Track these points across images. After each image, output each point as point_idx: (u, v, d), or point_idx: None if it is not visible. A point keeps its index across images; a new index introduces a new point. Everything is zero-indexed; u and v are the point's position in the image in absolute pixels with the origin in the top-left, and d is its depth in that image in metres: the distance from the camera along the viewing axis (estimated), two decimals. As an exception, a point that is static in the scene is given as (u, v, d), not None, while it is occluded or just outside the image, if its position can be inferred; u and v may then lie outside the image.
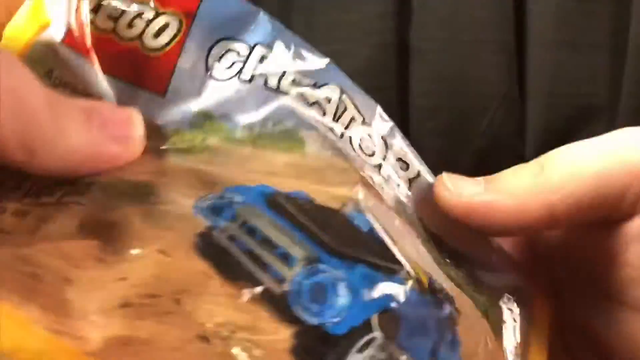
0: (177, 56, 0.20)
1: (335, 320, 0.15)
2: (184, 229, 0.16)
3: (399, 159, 0.23)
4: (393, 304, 0.16)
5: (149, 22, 0.20)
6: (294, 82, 0.21)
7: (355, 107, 0.22)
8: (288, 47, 0.22)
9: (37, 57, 0.19)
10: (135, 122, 0.17)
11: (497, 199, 0.22)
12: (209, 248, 0.16)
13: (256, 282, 0.15)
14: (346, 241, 0.17)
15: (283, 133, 0.20)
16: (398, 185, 0.22)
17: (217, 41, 0.21)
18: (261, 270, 0.16)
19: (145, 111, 0.19)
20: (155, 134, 0.19)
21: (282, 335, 0.15)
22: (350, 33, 0.40)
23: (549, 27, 0.41)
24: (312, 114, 0.21)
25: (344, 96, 0.22)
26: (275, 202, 0.17)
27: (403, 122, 0.42)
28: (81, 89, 0.19)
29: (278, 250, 0.16)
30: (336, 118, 0.21)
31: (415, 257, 0.18)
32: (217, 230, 0.16)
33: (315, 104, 0.21)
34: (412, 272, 0.17)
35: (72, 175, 0.16)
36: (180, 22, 0.20)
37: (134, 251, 0.16)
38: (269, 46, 0.21)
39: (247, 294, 0.15)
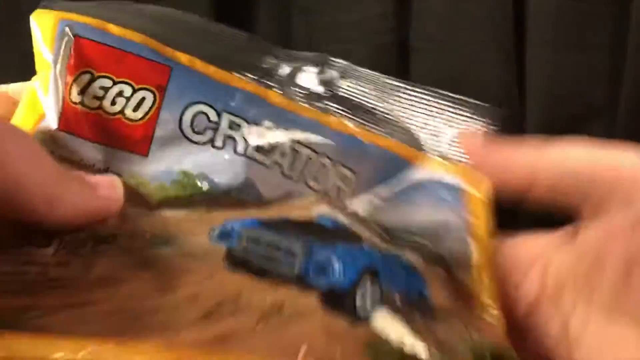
0: (154, 123, 0.24)
1: (339, 280, 0.21)
2: (212, 258, 0.21)
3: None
4: (370, 260, 0.23)
5: (128, 98, 0.24)
6: (257, 149, 0.26)
7: (309, 147, 0.27)
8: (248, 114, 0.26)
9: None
10: (116, 185, 0.22)
11: (492, 154, 0.28)
12: (236, 265, 0.21)
13: (278, 276, 0.21)
14: (321, 235, 0.23)
15: (249, 187, 0.25)
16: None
17: (187, 106, 0.25)
18: (276, 267, 0.21)
19: (131, 169, 0.23)
20: (142, 194, 0.23)
21: (311, 299, 0.21)
22: (350, 33, 0.40)
23: (549, 27, 0.41)
24: (272, 172, 0.26)
25: (296, 145, 0.26)
26: (265, 224, 0.23)
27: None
28: (77, 162, 0.23)
29: (282, 251, 0.22)
30: (292, 165, 0.26)
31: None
32: (233, 249, 0.21)
33: (274, 164, 0.26)
34: (371, 240, 0.24)
35: (71, 227, 0.20)
36: (155, 95, 0.24)
37: (186, 278, 0.20)
38: (236, 113, 0.26)
39: (278, 283, 0.21)
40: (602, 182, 0.26)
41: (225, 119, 0.25)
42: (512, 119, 0.42)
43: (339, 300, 0.21)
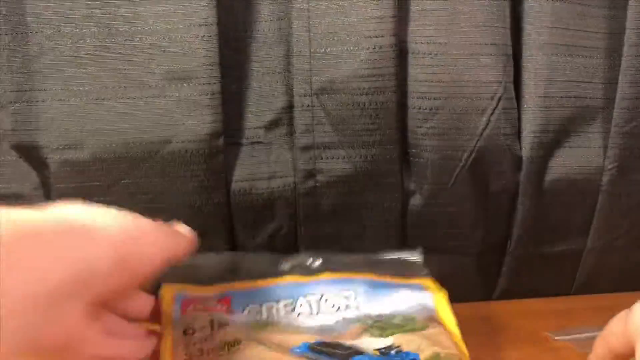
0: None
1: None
2: None
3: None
4: None
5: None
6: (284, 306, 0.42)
7: (318, 294, 0.43)
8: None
9: None
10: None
11: None
12: None
13: None
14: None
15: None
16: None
17: (243, 309, 0.41)
18: None
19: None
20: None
21: None
22: (349, 36, 0.40)
23: (545, 30, 0.42)
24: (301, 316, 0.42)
25: (308, 297, 0.42)
26: (311, 347, 0.37)
27: (402, 123, 0.42)
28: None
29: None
30: (310, 309, 0.42)
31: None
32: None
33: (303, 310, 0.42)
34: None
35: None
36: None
37: None
38: (271, 300, 0.42)
39: None
40: None
41: (264, 307, 0.41)
42: (509, 120, 0.43)
43: None
